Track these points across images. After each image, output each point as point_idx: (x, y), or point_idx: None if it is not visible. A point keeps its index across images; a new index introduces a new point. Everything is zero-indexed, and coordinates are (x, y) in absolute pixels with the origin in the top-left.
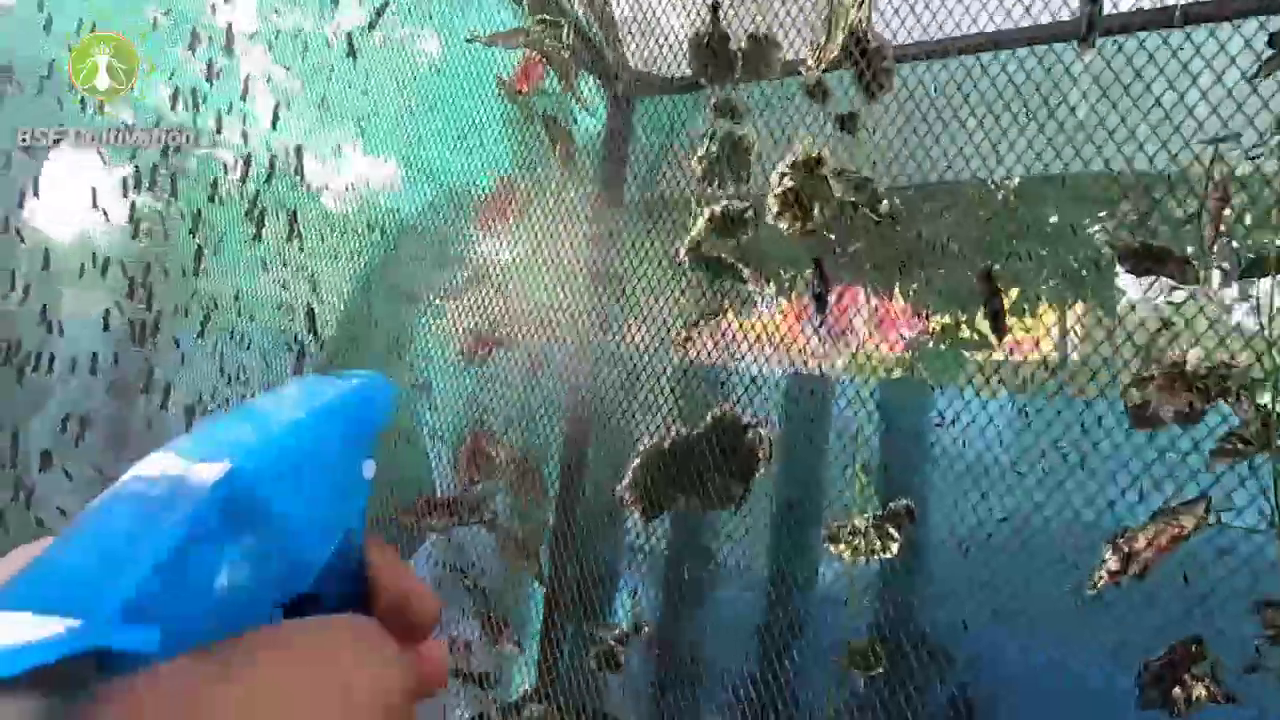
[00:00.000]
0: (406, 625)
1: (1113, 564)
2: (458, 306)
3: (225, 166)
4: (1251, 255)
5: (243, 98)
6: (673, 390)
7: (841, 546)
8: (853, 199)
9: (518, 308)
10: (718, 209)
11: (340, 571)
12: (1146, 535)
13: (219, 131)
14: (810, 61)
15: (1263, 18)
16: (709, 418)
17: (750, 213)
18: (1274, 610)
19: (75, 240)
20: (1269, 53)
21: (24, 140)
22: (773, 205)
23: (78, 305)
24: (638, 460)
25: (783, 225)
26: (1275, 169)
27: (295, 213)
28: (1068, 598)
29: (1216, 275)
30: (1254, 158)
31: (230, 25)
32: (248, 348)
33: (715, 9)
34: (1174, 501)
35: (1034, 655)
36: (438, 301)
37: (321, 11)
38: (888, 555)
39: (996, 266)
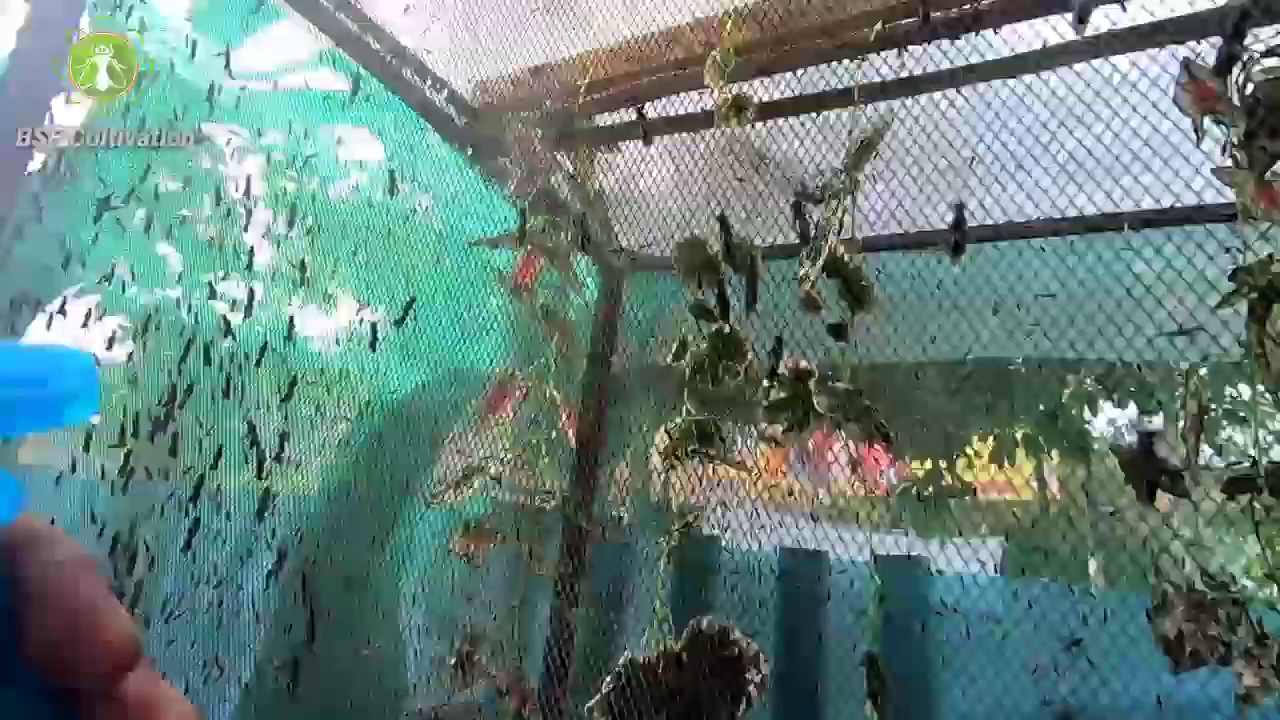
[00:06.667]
0: (76, 658)
1: None
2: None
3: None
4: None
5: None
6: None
7: None
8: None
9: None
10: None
11: None
12: None
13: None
14: (801, 278)
15: None
16: (690, 628)
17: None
18: None
19: None
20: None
21: (24, 140)
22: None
23: (38, 458)
24: (612, 678)
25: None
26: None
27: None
28: None
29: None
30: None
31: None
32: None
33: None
34: None
35: None
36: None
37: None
38: None
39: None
